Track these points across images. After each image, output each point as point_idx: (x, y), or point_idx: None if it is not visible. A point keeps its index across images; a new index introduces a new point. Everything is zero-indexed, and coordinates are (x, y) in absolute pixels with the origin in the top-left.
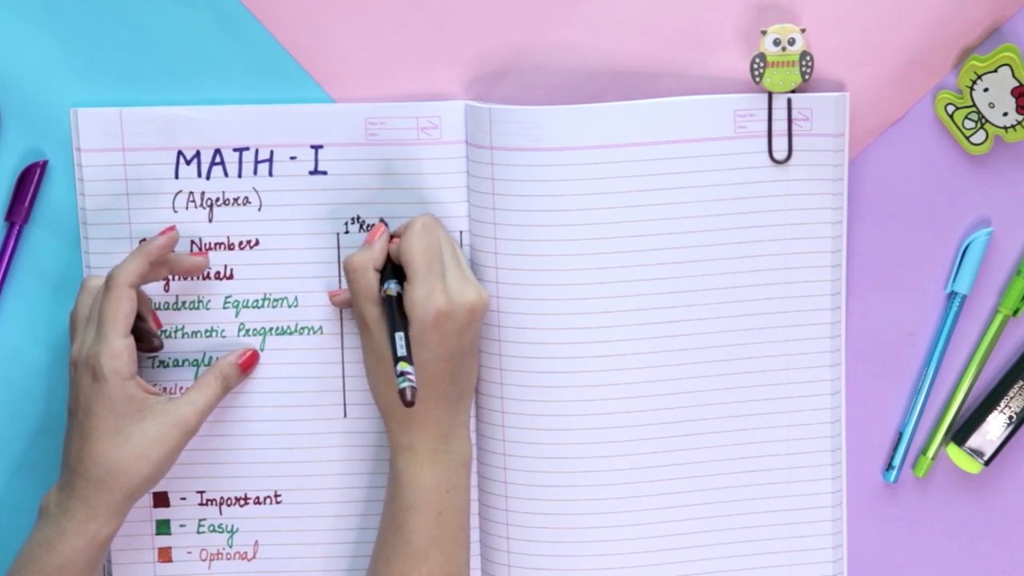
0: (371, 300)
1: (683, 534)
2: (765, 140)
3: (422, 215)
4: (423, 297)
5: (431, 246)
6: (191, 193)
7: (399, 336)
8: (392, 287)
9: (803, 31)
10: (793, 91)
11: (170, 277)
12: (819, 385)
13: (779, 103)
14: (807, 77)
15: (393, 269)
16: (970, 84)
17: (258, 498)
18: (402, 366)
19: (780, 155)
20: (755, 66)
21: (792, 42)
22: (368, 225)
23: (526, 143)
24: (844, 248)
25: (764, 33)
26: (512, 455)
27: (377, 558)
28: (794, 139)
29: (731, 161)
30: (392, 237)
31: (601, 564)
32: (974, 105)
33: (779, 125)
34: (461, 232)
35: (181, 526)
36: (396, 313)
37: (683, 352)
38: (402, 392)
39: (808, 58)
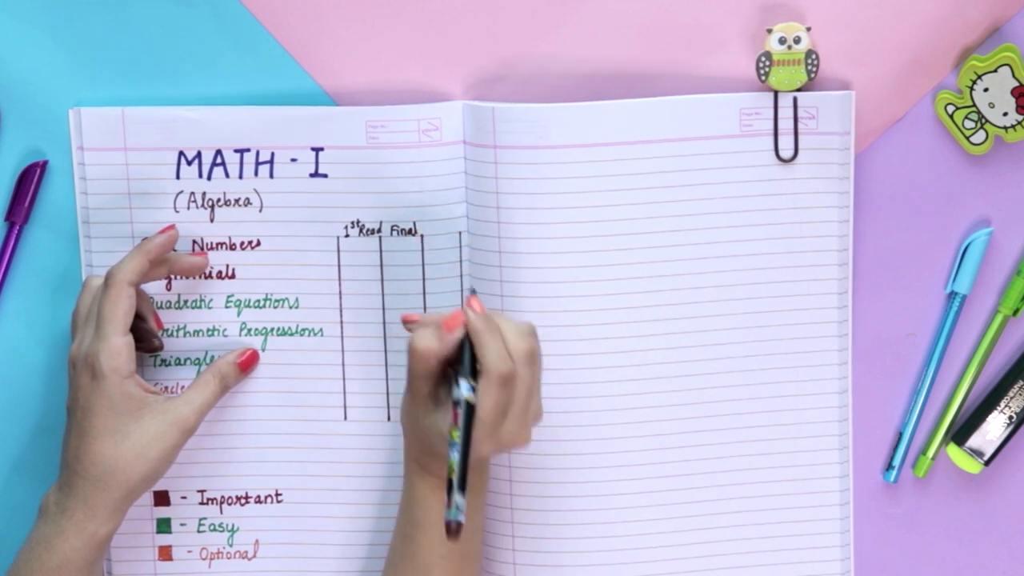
0: (426, 381)
1: (692, 543)
2: (770, 139)
3: (524, 331)
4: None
5: (508, 396)
6: (192, 194)
7: (457, 461)
8: (466, 391)
9: (808, 29)
10: (799, 90)
11: (171, 276)
12: (827, 384)
13: (785, 102)
14: (813, 76)
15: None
16: (970, 84)
17: (259, 497)
18: (457, 497)
19: (786, 154)
20: (761, 65)
21: (798, 40)
22: (368, 230)
23: (531, 141)
24: (851, 247)
25: (770, 32)
26: (518, 452)
27: (387, 565)
28: (800, 138)
29: (737, 159)
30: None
31: (610, 566)
32: (974, 105)
33: (785, 124)
34: (460, 233)
35: (182, 525)
36: (467, 425)
37: (690, 350)
38: (448, 525)
39: (814, 56)
